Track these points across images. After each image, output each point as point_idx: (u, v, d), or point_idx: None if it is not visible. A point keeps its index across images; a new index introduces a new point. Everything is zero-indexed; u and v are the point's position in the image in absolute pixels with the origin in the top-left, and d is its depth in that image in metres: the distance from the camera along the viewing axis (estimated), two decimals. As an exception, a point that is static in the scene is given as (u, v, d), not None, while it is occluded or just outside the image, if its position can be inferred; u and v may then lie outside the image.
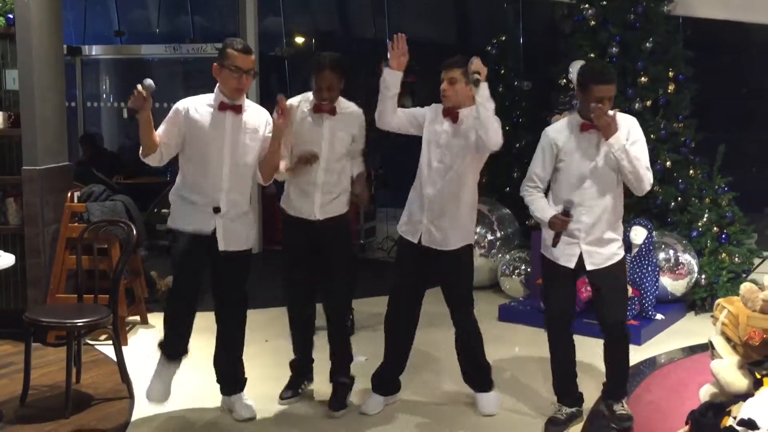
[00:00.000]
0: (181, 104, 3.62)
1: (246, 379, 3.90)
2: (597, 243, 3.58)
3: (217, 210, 3.59)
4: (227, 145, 3.57)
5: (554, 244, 3.54)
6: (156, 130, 3.55)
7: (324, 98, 3.78)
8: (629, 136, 3.51)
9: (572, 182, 3.58)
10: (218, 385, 3.90)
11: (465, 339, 3.91)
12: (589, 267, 3.59)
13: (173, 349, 3.77)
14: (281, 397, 4.03)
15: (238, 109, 3.60)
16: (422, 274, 3.83)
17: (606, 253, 3.59)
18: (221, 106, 3.58)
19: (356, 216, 7.41)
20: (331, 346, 4.01)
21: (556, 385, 3.80)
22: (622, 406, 3.73)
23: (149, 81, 3.36)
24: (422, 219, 3.75)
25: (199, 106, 3.61)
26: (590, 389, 3.92)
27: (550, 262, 3.68)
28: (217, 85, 3.63)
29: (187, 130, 3.58)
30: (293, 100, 3.89)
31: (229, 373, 3.86)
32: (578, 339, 3.81)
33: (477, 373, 3.96)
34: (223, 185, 3.59)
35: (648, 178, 3.53)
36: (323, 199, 3.84)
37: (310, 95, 3.87)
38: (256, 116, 3.68)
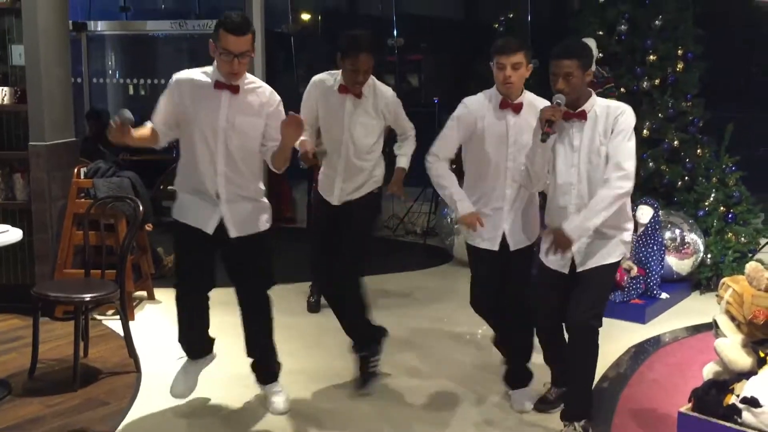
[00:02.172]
0: (176, 78, 3.38)
1: (279, 367, 3.73)
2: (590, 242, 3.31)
3: (217, 195, 3.37)
4: (221, 127, 3.30)
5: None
6: (157, 112, 3.37)
7: (359, 81, 3.63)
8: (614, 126, 3.20)
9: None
10: (222, 362, 3.90)
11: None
12: (579, 269, 3.35)
13: (193, 348, 3.65)
14: None
15: (235, 89, 3.32)
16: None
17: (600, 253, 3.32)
18: (217, 85, 3.32)
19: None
20: (345, 323, 3.95)
21: (551, 373, 3.72)
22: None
23: (125, 112, 3.17)
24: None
25: (195, 80, 3.35)
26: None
27: (543, 267, 3.46)
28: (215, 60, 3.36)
29: (183, 108, 3.34)
30: (321, 77, 3.78)
31: (261, 362, 3.70)
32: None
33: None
34: (218, 169, 3.34)
35: (616, 194, 3.17)
36: (343, 187, 3.78)
37: (338, 74, 3.72)
38: (257, 95, 3.38)
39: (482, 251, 3.61)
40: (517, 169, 3.47)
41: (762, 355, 3.26)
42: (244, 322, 3.63)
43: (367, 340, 3.93)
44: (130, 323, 4.30)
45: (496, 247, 3.58)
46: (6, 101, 4.96)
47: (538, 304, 3.53)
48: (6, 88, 4.96)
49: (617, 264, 3.38)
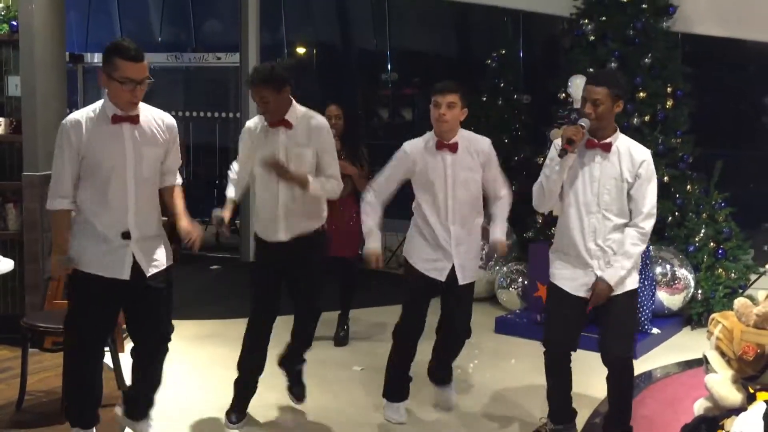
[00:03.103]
0: (69, 124, 3.14)
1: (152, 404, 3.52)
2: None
3: (126, 235, 3.17)
4: (129, 162, 3.14)
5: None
6: (61, 178, 3.15)
7: (266, 112, 3.65)
8: (639, 171, 3.33)
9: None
10: (211, 393, 3.86)
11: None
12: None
13: (87, 415, 3.37)
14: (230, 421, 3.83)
15: (135, 120, 3.16)
16: None
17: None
18: (115, 119, 3.13)
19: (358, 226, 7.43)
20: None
21: (549, 402, 3.70)
22: None
23: (70, 257, 3.14)
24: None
25: (88, 121, 3.14)
26: (583, 407, 3.92)
27: (556, 288, 3.50)
28: (105, 93, 3.18)
29: (84, 152, 3.12)
30: (250, 122, 3.82)
31: (143, 403, 3.51)
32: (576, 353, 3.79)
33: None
34: (129, 206, 3.16)
35: (643, 234, 3.39)
36: (286, 225, 3.72)
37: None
38: (152, 121, 3.24)
39: (427, 278, 3.79)
40: (458, 205, 3.73)
41: (752, 390, 3.27)
42: (138, 373, 3.45)
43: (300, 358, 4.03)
44: (120, 355, 4.28)
45: (443, 278, 3.78)
46: (1, 132, 4.99)
47: (552, 332, 3.52)
48: (1, 119, 4.99)
49: (637, 290, 3.53)
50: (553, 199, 3.46)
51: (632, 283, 3.44)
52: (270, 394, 4.15)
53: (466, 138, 3.80)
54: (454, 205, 3.74)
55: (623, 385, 3.50)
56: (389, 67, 9.21)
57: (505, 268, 6.29)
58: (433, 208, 3.76)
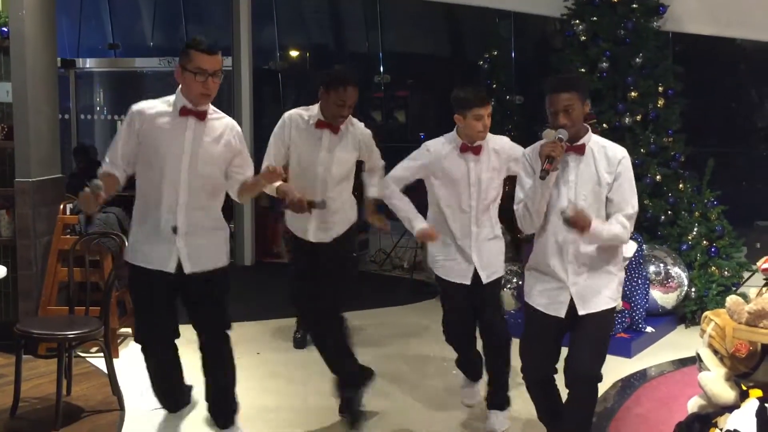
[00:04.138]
0: (137, 108, 3.30)
1: (237, 408, 3.61)
2: (588, 284, 3.17)
3: (174, 229, 3.26)
4: (186, 154, 3.23)
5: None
6: (115, 147, 3.29)
7: (343, 115, 3.64)
8: (617, 171, 3.11)
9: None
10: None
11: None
12: (580, 312, 3.16)
13: (169, 401, 3.57)
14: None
15: (202, 115, 3.27)
16: None
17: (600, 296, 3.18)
18: (183, 111, 3.25)
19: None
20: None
21: (543, 422, 3.48)
22: None
23: (97, 183, 3.12)
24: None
25: (157, 109, 3.29)
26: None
27: (533, 311, 3.27)
28: (179, 87, 3.31)
29: (143, 138, 3.26)
30: (296, 112, 3.76)
31: (221, 408, 3.58)
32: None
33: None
34: (180, 199, 3.25)
35: (622, 235, 3.11)
36: (318, 225, 3.73)
37: (314, 108, 3.72)
38: (220, 123, 3.35)
39: (455, 285, 3.78)
40: (481, 207, 3.73)
41: (744, 388, 3.28)
42: (206, 369, 3.53)
43: (351, 378, 3.88)
44: (114, 361, 4.26)
45: (468, 281, 3.77)
46: (-7, 138, 4.98)
47: (528, 356, 3.29)
48: (-7, 125, 4.99)
49: (614, 309, 3.26)
50: (541, 218, 3.19)
51: (608, 300, 3.16)
52: (268, 396, 4.14)
53: (487, 139, 3.77)
54: (477, 206, 3.74)
55: (587, 406, 3.21)
56: (381, 69, 9.22)
57: (499, 269, 6.29)
58: (456, 210, 3.75)
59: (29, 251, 4.92)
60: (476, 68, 7.46)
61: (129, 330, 5.35)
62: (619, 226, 3.09)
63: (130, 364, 4.75)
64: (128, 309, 5.31)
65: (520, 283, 6.03)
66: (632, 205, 3.13)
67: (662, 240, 5.97)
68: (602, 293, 3.15)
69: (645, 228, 5.99)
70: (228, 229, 3.54)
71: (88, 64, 10.06)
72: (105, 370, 4.21)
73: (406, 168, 3.83)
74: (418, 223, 3.76)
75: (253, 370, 4.61)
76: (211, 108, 3.35)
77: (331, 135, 3.70)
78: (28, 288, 4.92)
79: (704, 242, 5.89)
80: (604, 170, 3.10)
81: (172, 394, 3.55)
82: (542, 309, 3.21)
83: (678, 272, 5.65)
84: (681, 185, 6.07)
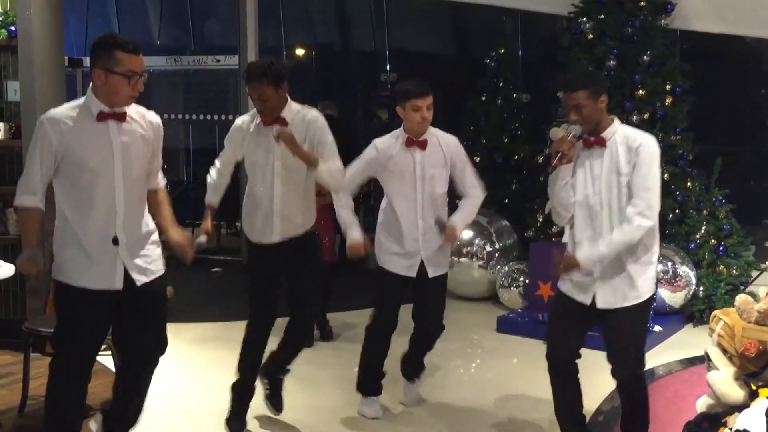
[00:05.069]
0: (49, 120, 2.94)
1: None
2: (613, 277, 3.18)
3: (114, 241, 2.99)
4: (118, 163, 2.97)
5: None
6: (33, 173, 2.95)
7: (260, 110, 3.58)
8: (636, 159, 3.10)
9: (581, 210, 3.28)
10: (212, 397, 3.83)
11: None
12: (600, 305, 3.20)
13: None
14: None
15: (122, 117, 2.99)
16: None
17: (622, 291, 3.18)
18: (101, 116, 2.96)
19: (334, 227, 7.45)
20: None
21: (559, 423, 3.45)
22: None
23: (30, 254, 2.91)
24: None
25: (71, 118, 2.96)
26: (585, 404, 3.90)
27: (560, 293, 3.32)
28: (89, 90, 3.00)
29: (64, 154, 2.93)
30: (239, 120, 3.75)
31: (126, 423, 3.29)
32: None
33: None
34: (118, 208, 2.98)
35: (633, 230, 3.08)
36: (282, 224, 3.65)
37: (254, 111, 3.68)
38: (138, 119, 3.08)
39: (398, 277, 3.86)
40: (427, 201, 3.80)
41: (754, 387, 3.27)
42: (127, 390, 3.25)
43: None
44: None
45: (413, 274, 3.84)
46: (0, 137, 4.99)
47: (552, 337, 3.35)
48: (1, 124, 5.00)
49: (650, 300, 3.25)
50: (569, 210, 3.24)
51: (638, 294, 3.16)
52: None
53: (434, 134, 3.86)
54: (423, 200, 3.81)
55: (633, 401, 3.30)
56: (388, 67, 9.22)
57: (506, 268, 6.29)
58: (403, 203, 3.82)
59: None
60: (483, 66, 7.44)
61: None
62: (627, 226, 3.07)
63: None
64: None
65: (527, 281, 6.02)
66: (644, 198, 3.07)
67: (670, 239, 5.95)
68: (627, 289, 3.16)
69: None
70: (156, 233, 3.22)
71: (96, 63, 10.06)
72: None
73: (356, 168, 3.91)
74: (353, 233, 3.85)
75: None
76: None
77: (279, 128, 3.55)
78: (36, 286, 4.93)
79: (712, 241, 5.86)
80: (624, 160, 3.12)
81: (74, 422, 3.18)
82: (570, 294, 3.26)
83: (686, 271, 5.63)
84: (689, 184, 6.05)
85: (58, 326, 3.08)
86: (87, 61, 9.93)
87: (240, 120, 3.77)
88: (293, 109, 3.64)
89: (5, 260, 4.18)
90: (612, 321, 3.19)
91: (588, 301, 3.21)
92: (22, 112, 4.95)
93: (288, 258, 3.70)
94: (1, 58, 5.07)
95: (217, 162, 3.89)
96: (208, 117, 9.18)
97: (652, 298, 3.25)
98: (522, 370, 4.79)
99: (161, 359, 3.26)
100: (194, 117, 9.29)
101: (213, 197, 3.88)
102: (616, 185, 3.13)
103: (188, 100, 9.40)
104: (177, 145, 9.73)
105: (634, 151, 3.11)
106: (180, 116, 9.18)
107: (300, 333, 3.86)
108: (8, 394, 4.15)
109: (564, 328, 3.29)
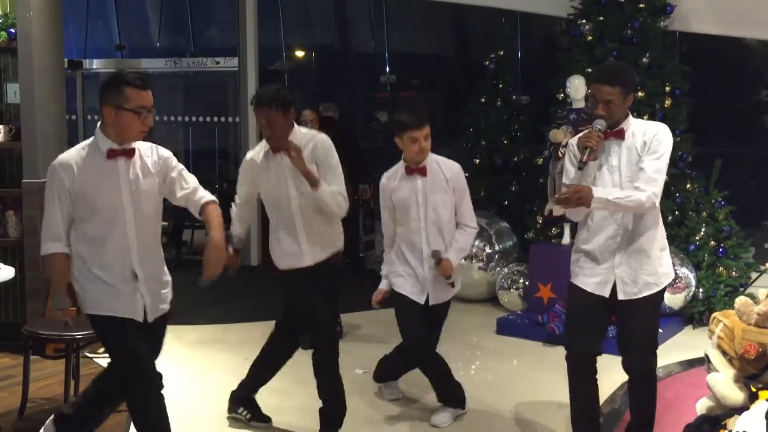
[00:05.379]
0: (59, 164, 3.01)
1: None
2: (633, 267, 3.22)
3: (135, 275, 3.06)
4: (126, 197, 3.02)
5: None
6: (54, 220, 3.00)
7: (266, 136, 3.62)
8: (651, 142, 3.15)
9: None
10: (213, 399, 3.84)
11: None
12: (621, 296, 3.22)
13: None
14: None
15: (131, 153, 3.04)
16: None
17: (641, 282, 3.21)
18: (110, 154, 3.00)
19: (356, 228, 7.45)
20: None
21: (573, 424, 3.44)
22: None
23: (61, 301, 2.98)
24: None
25: (81, 159, 3.01)
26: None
27: (577, 289, 3.31)
28: (98, 129, 3.05)
29: (76, 196, 2.99)
30: (248, 155, 3.77)
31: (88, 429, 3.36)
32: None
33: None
34: (131, 245, 3.04)
35: (641, 200, 3.11)
36: (312, 248, 3.70)
37: (261, 144, 3.73)
38: (145, 154, 3.12)
39: (410, 301, 3.88)
40: (431, 227, 3.82)
41: (754, 389, 3.27)
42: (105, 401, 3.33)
43: (334, 407, 3.82)
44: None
45: (421, 301, 3.87)
46: (0, 139, 4.99)
47: (573, 332, 3.33)
48: (0, 126, 5.00)
49: (663, 291, 3.29)
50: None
51: (654, 285, 3.21)
52: (276, 397, 4.15)
53: (434, 160, 3.89)
54: (427, 226, 3.84)
55: (643, 394, 3.32)
56: (387, 69, 9.22)
57: (506, 270, 6.29)
58: (409, 231, 3.87)
59: (37, 252, 4.86)
60: (482, 68, 7.44)
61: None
62: (633, 193, 3.09)
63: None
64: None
65: (527, 283, 6.02)
66: (654, 169, 3.10)
67: (669, 240, 5.93)
68: (648, 278, 3.19)
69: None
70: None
71: (95, 65, 10.08)
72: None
73: (384, 209, 3.99)
74: (384, 284, 3.96)
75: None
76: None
77: (287, 156, 3.57)
78: (36, 289, 4.94)
79: (712, 243, 5.87)
80: (641, 150, 3.15)
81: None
82: (588, 288, 3.24)
83: (685, 273, 5.64)
84: (688, 185, 6.05)
85: (109, 351, 3.19)
86: (87, 63, 10.03)
87: (249, 154, 3.79)
88: (301, 133, 3.67)
89: (5, 263, 4.19)
90: (630, 311, 3.19)
91: (607, 294, 3.21)
92: (22, 114, 4.95)
93: (315, 280, 3.73)
94: (0, 60, 5.07)
95: (237, 199, 3.87)
96: (208, 119, 9.19)
97: (665, 289, 3.28)
98: (522, 372, 4.79)
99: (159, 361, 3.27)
100: (194, 119, 9.30)
101: (239, 229, 3.85)
102: (636, 174, 3.15)
103: (188, 102, 9.42)
104: (176, 148, 9.74)
105: (650, 138, 3.15)
106: (179, 118, 9.19)
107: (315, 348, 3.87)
108: (8, 397, 4.15)
109: (585, 322, 3.26)
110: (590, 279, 3.25)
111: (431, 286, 3.89)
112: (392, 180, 3.93)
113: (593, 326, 3.27)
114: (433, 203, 3.83)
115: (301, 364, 4.91)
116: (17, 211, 5.01)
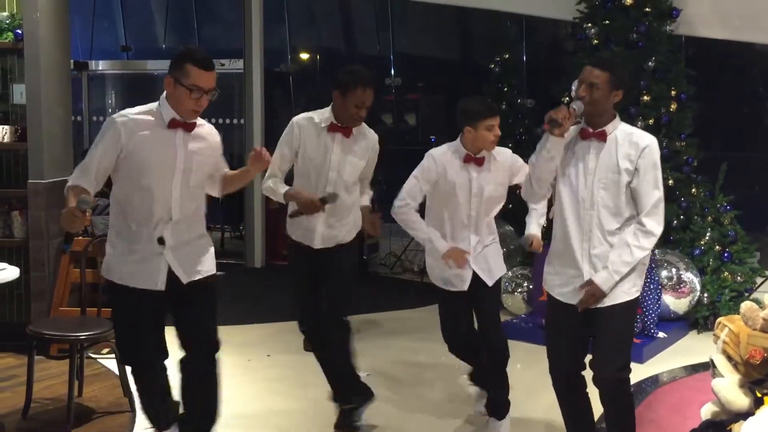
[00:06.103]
0: (122, 120, 3.02)
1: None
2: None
3: (161, 241, 3.06)
4: (179, 171, 3.05)
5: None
6: (91, 159, 3.01)
7: (361, 116, 3.58)
8: (640, 159, 3.00)
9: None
10: (234, 406, 3.81)
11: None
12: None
13: (159, 418, 3.28)
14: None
15: (190, 127, 3.08)
16: None
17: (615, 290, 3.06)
18: (172, 123, 3.04)
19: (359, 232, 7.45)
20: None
21: None
22: None
23: (86, 198, 2.88)
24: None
25: (143, 121, 3.04)
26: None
27: (554, 301, 3.17)
28: (162, 97, 3.08)
29: (129, 154, 3.01)
30: (304, 117, 3.69)
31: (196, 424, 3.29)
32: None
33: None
34: (173, 213, 3.07)
35: (640, 252, 3.01)
36: (326, 231, 3.67)
37: (325, 111, 3.66)
38: (203, 129, 3.18)
39: (453, 293, 3.74)
40: (482, 218, 3.71)
41: (759, 395, 3.25)
42: (186, 393, 3.24)
43: (350, 391, 3.80)
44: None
45: (465, 288, 3.73)
46: (6, 140, 5.01)
47: (552, 348, 3.21)
48: (6, 127, 5.01)
49: (636, 300, 3.14)
50: (542, 188, 3.16)
51: (627, 293, 3.05)
52: (278, 399, 4.14)
53: (491, 153, 3.74)
54: (477, 216, 3.72)
55: (618, 410, 3.14)
56: (392, 72, 9.23)
57: (509, 273, 6.28)
58: (455, 219, 3.70)
59: (42, 252, 4.94)
60: (487, 71, 7.44)
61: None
62: (630, 246, 3.00)
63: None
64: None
65: (531, 287, 6.01)
66: (652, 203, 2.99)
67: (674, 245, 5.94)
68: (617, 290, 3.02)
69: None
70: (210, 237, 3.34)
71: (101, 66, 10.11)
72: (116, 372, 4.23)
73: (417, 180, 3.71)
74: (442, 245, 3.68)
75: (262, 372, 4.61)
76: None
77: (343, 138, 3.64)
78: (41, 289, 4.94)
79: (717, 247, 5.85)
80: (624, 157, 3.00)
81: (164, 416, 3.27)
82: (561, 298, 3.12)
83: (690, 277, 5.62)
84: (694, 190, 6.04)
85: (116, 329, 3.25)
86: (92, 64, 10.04)
87: (299, 118, 3.70)
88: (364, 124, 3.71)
89: (10, 263, 4.19)
90: (601, 319, 3.05)
91: (575, 302, 3.07)
92: (28, 115, 4.96)
93: (328, 263, 3.70)
94: (7, 61, 5.08)
95: (271, 175, 3.70)
96: (213, 120, 9.18)
97: (638, 298, 3.15)
98: (525, 376, 4.78)
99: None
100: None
101: (281, 186, 3.71)
102: (614, 185, 3.01)
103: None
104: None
105: (641, 149, 3.00)
106: (185, 120, 9.18)
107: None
108: (12, 397, 4.15)
109: (563, 335, 3.13)
110: (559, 287, 3.17)
111: (480, 270, 3.72)
112: (448, 160, 3.68)
113: (571, 339, 3.14)
114: (487, 196, 3.70)
115: (303, 366, 4.91)
116: (23, 212, 5.02)
